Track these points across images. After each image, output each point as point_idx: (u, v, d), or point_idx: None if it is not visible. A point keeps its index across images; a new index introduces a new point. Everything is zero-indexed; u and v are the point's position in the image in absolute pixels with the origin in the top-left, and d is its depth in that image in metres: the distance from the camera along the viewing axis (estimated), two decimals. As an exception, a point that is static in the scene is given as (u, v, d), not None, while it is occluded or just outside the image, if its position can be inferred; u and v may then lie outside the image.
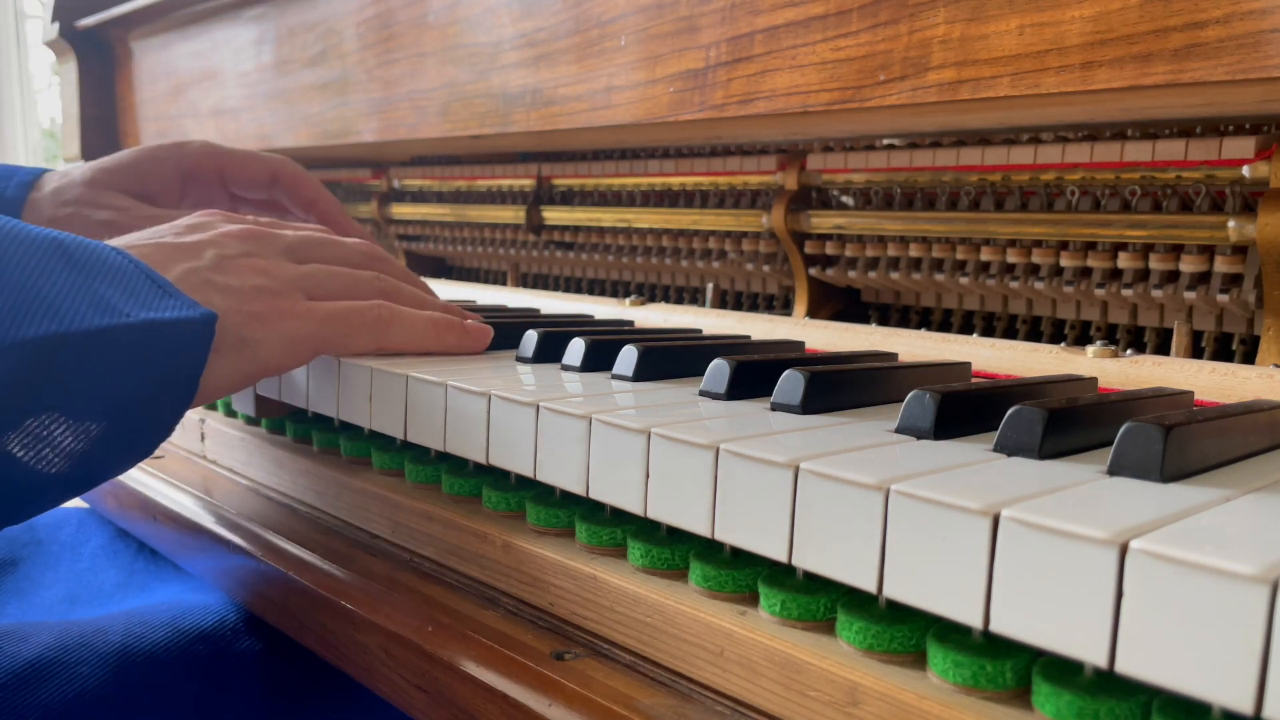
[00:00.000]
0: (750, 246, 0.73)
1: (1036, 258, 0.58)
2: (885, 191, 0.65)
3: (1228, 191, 0.51)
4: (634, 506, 0.36)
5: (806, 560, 0.30)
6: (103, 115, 1.34)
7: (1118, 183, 0.54)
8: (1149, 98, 0.47)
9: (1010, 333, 0.64)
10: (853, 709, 0.29)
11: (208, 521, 0.55)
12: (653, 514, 0.35)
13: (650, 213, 0.79)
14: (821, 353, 0.55)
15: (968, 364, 0.51)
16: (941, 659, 0.29)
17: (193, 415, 0.66)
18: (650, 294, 0.85)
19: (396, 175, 1.06)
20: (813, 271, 0.70)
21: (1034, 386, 0.42)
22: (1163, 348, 0.57)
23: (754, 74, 0.59)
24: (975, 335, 0.59)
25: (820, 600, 0.32)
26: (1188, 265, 0.52)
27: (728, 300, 0.79)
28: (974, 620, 0.26)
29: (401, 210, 1.04)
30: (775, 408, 0.40)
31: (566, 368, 0.49)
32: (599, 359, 0.49)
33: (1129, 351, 0.50)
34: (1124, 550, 0.24)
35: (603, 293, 0.89)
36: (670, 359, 0.48)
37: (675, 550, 0.36)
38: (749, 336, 0.62)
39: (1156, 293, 0.54)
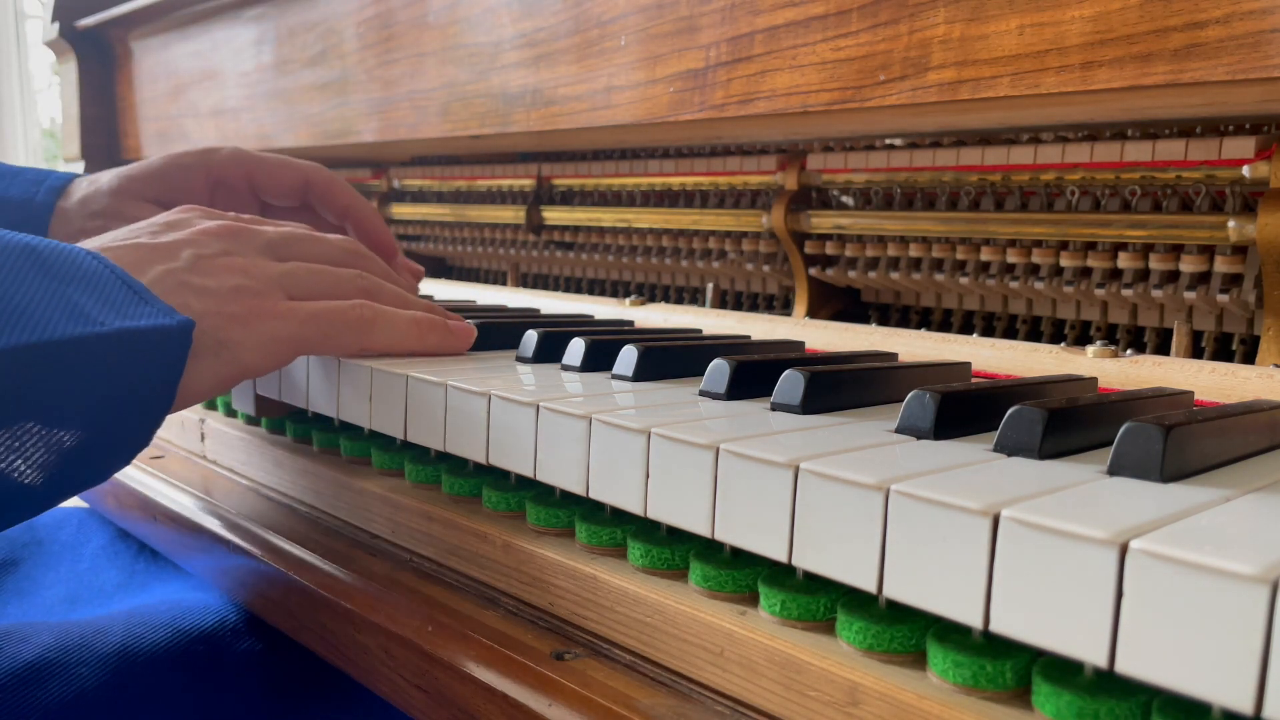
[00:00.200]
0: (750, 246, 0.73)
1: (1036, 258, 0.58)
2: (885, 191, 0.65)
3: (1228, 191, 0.51)
4: (634, 506, 0.36)
5: (806, 560, 0.30)
6: (103, 115, 1.34)
7: (1118, 183, 0.54)
8: (1149, 98, 0.47)
9: (1010, 333, 0.64)
10: (853, 709, 0.29)
11: (208, 521, 0.55)
12: (653, 514, 0.35)
13: (650, 213, 0.79)
14: (821, 353, 0.55)
15: (968, 364, 0.51)
16: (941, 659, 0.29)
17: (193, 415, 0.66)
18: (650, 294, 0.85)
19: (396, 175, 1.06)
20: (813, 271, 0.70)
21: (1034, 386, 0.42)
22: (1163, 348, 0.57)
23: (754, 74, 0.59)
24: (975, 335, 0.59)
25: (820, 600, 0.32)
26: (1188, 265, 0.52)
27: (728, 300, 0.79)
28: (974, 620, 0.26)
29: (401, 210, 1.04)
30: (775, 408, 0.40)
31: (566, 368, 0.49)
32: (599, 359, 0.49)
33: (1129, 351, 0.50)
34: (1124, 550, 0.24)
35: (603, 293, 0.89)
36: (670, 359, 0.48)
37: (675, 550, 0.36)
38: (749, 336, 0.62)
39: (1156, 293, 0.54)
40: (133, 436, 0.40)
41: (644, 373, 0.47)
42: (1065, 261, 0.57)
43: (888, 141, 0.68)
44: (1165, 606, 0.23)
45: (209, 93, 1.14)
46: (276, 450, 0.57)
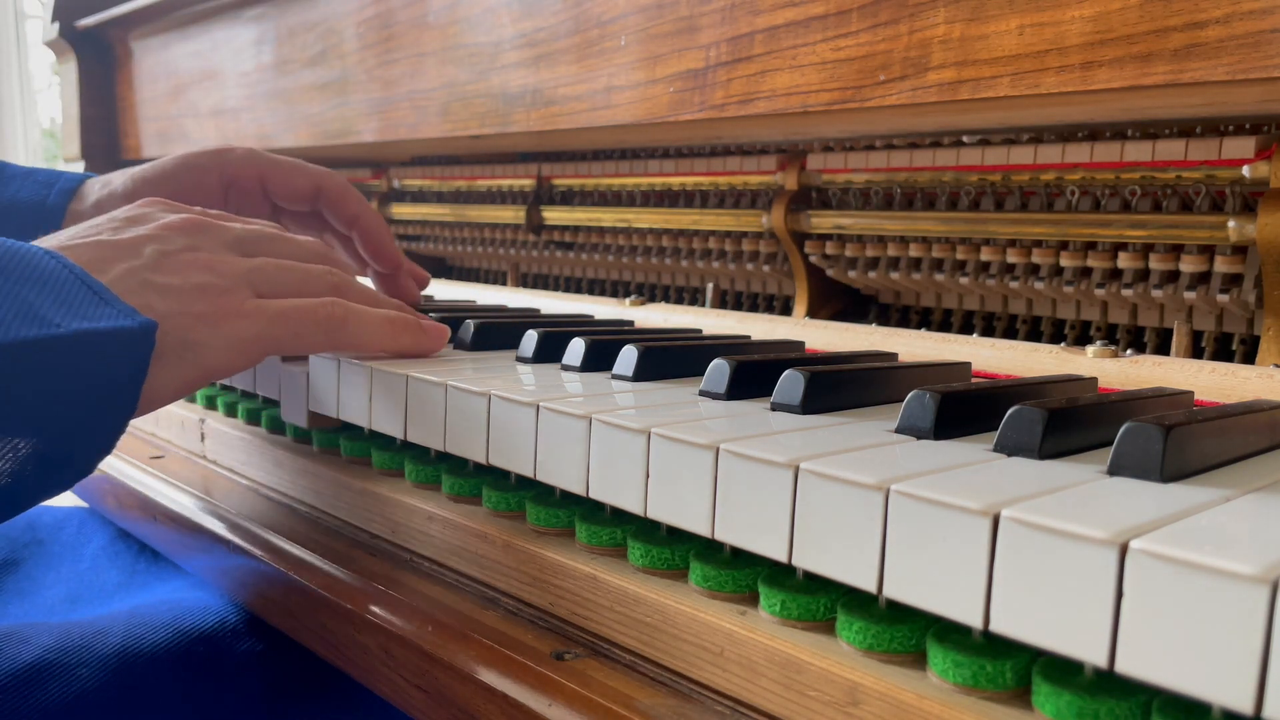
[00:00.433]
0: (750, 246, 0.73)
1: (1036, 258, 0.58)
2: (885, 191, 0.65)
3: (1228, 191, 0.51)
4: (634, 506, 0.36)
5: (806, 560, 0.30)
6: (103, 115, 1.34)
7: (1118, 183, 0.54)
8: (1149, 98, 0.47)
9: (1010, 333, 0.64)
10: (853, 709, 0.29)
11: (208, 521, 0.55)
12: (653, 514, 0.35)
13: (650, 213, 0.79)
14: (821, 353, 0.55)
15: (968, 364, 0.51)
16: (941, 659, 0.29)
17: (193, 415, 0.66)
18: (650, 294, 0.85)
19: (396, 175, 1.06)
20: (812, 271, 0.70)
21: (1034, 386, 0.42)
22: (1163, 348, 0.57)
23: (754, 74, 0.59)
24: (975, 335, 0.59)
25: (820, 600, 0.32)
26: (1188, 265, 0.52)
27: (728, 300, 0.79)
28: (974, 620, 0.26)
29: (401, 210, 1.04)
30: (775, 408, 0.40)
31: (566, 368, 0.49)
32: (599, 359, 0.49)
33: (1129, 351, 0.50)
34: (1124, 550, 0.24)
35: (603, 293, 0.89)
36: (670, 359, 0.48)
37: (675, 550, 0.36)
38: (749, 336, 0.62)
39: (1156, 293, 0.54)
40: (93, 444, 0.39)
41: (644, 373, 0.47)
42: (1065, 261, 0.57)
43: (887, 141, 0.68)
44: (1165, 606, 0.23)
45: (209, 93, 1.14)
46: (276, 450, 0.57)
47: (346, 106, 0.94)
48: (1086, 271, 0.57)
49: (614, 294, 0.88)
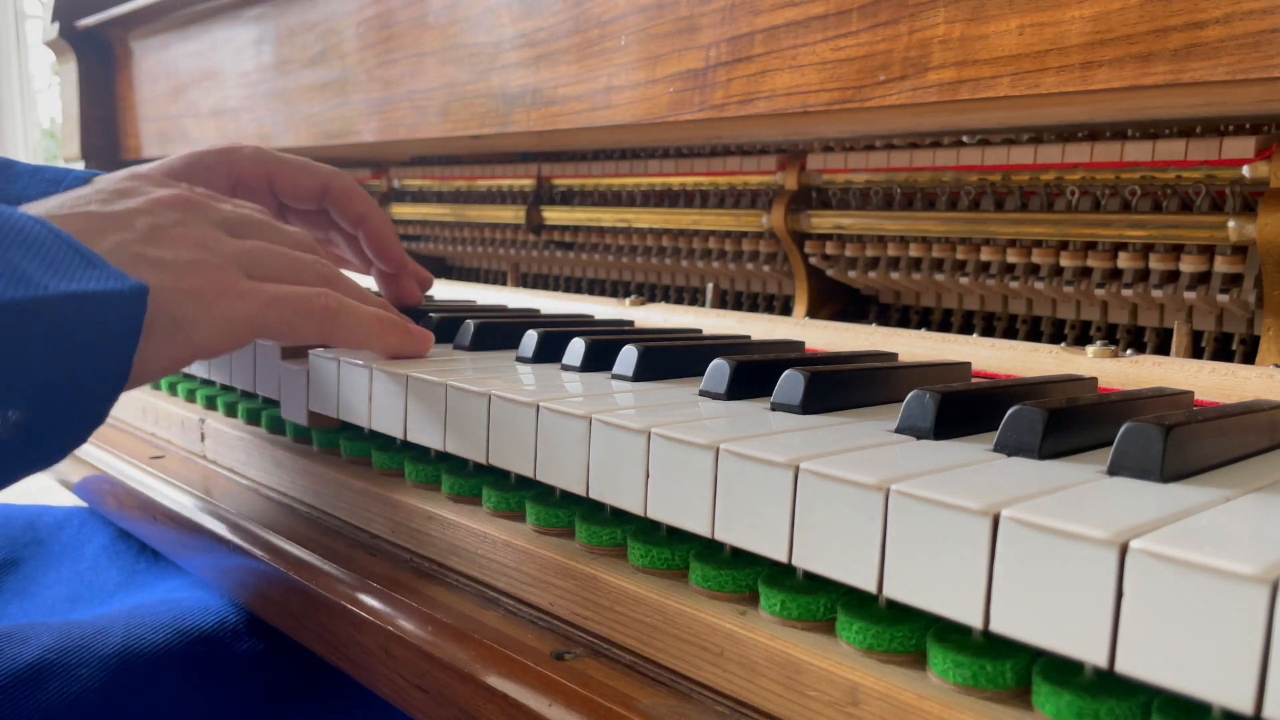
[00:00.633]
0: (750, 246, 0.73)
1: (1036, 258, 0.58)
2: (885, 191, 0.65)
3: (1228, 191, 0.51)
4: (634, 506, 0.36)
5: (806, 560, 0.30)
6: (103, 115, 1.34)
7: (1118, 183, 0.54)
8: (1149, 98, 0.47)
9: (1010, 333, 0.64)
10: (853, 709, 0.29)
11: (208, 521, 0.55)
12: (653, 514, 0.35)
13: (650, 213, 0.79)
14: (821, 353, 0.55)
15: (968, 364, 0.51)
16: (941, 659, 0.29)
17: (192, 415, 0.66)
18: (650, 294, 0.85)
19: (396, 175, 1.06)
20: (812, 271, 0.70)
21: (1034, 386, 0.42)
22: (1163, 348, 0.57)
23: (754, 74, 0.59)
24: (975, 335, 0.59)
25: (820, 600, 0.32)
26: (1188, 265, 0.52)
27: (728, 300, 0.79)
28: (974, 620, 0.26)
29: (401, 210, 1.04)
30: (775, 408, 0.40)
31: (566, 368, 0.49)
32: (599, 359, 0.49)
33: (1129, 351, 0.50)
34: (1124, 550, 0.24)
35: (603, 293, 0.89)
36: (670, 359, 0.48)
37: (675, 550, 0.36)
38: (749, 336, 0.62)
39: (1156, 293, 0.54)
40: (85, 415, 0.37)
41: (644, 373, 0.47)
42: (1065, 261, 0.57)
43: (887, 141, 0.68)
44: (1165, 606, 0.23)
45: (209, 93, 1.14)
46: (276, 450, 0.57)
47: (346, 106, 0.94)
48: (1086, 271, 0.57)
49: (614, 294, 0.88)
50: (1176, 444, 0.30)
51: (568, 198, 0.87)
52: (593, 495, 0.37)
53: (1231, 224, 0.49)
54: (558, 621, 0.39)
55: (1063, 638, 0.25)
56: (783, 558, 0.31)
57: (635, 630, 0.36)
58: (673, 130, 0.68)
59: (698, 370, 0.46)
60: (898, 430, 0.36)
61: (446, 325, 0.58)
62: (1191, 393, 0.44)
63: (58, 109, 1.62)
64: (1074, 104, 0.50)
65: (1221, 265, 0.51)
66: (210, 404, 0.67)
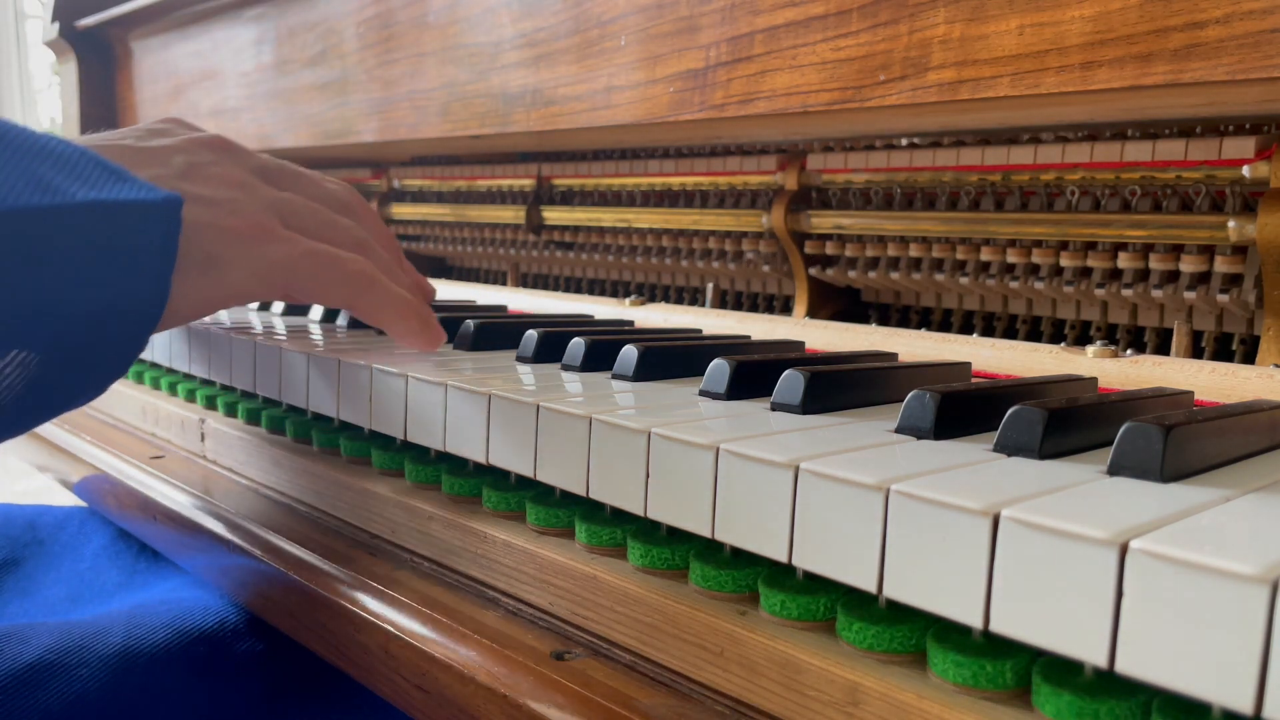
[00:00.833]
0: (750, 246, 0.73)
1: (1036, 258, 0.58)
2: (885, 191, 0.65)
3: (1228, 191, 0.51)
4: (634, 506, 0.36)
5: (806, 560, 0.30)
6: (103, 115, 1.34)
7: (1118, 183, 0.54)
8: (1149, 98, 0.47)
9: (1010, 333, 0.64)
10: (853, 709, 0.29)
11: (207, 521, 0.55)
12: (653, 514, 0.35)
13: (650, 213, 0.79)
14: (821, 353, 0.55)
15: (968, 364, 0.51)
16: (941, 659, 0.29)
17: (192, 415, 0.66)
18: (650, 294, 0.85)
19: (396, 175, 1.06)
20: (813, 271, 0.70)
21: (1034, 386, 0.42)
22: (1163, 348, 0.57)
23: (754, 74, 0.59)
24: (975, 335, 0.59)
25: (820, 600, 0.32)
26: (1188, 265, 0.52)
27: (728, 300, 0.79)
28: (974, 620, 0.26)
29: (401, 210, 1.04)
30: (775, 408, 0.40)
31: (567, 368, 0.49)
32: (599, 359, 0.49)
33: (1129, 351, 0.50)
34: (1124, 550, 0.24)
35: (603, 293, 0.89)
36: (670, 359, 0.48)
37: (675, 550, 0.36)
38: (749, 336, 0.62)
39: (1156, 293, 0.54)
40: (118, 350, 0.35)
41: (644, 373, 0.47)
42: (1065, 261, 0.57)
43: (887, 141, 0.68)
44: (1165, 606, 0.23)
45: (209, 93, 1.14)
46: (276, 450, 0.57)
47: (346, 106, 0.94)
48: (1086, 271, 0.57)
49: (614, 294, 0.88)
50: (1176, 444, 0.30)
51: (568, 198, 0.87)
52: (593, 495, 0.37)
53: (1231, 224, 0.49)
54: (558, 621, 0.39)
55: (1063, 638, 0.25)
56: (783, 558, 0.31)
57: (635, 630, 0.36)
58: (673, 130, 0.68)
59: (698, 370, 0.46)
60: (898, 430, 0.36)
61: (446, 325, 0.58)
62: (1191, 393, 0.44)
63: (58, 109, 1.62)
64: (1074, 104, 0.50)
65: (1221, 265, 0.51)
66: (210, 404, 0.67)
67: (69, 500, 0.77)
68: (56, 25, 1.31)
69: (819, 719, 0.30)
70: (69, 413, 0.44)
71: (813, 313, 0.70)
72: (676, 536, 0.37)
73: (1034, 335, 0.63)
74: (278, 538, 0.50)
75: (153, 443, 0.70)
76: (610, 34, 0.68)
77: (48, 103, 3.57)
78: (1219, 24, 0.42)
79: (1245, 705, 0.22)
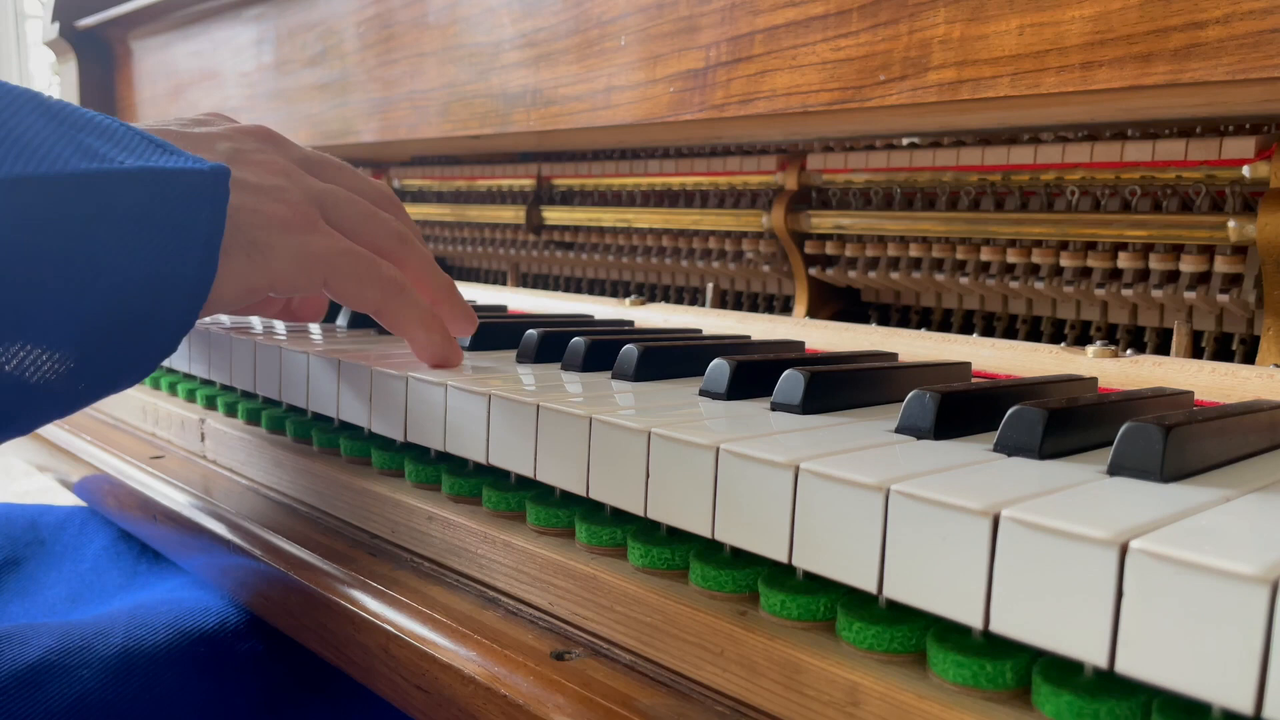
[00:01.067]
0: (750, 246, 0.73)
1: (1036, 258, 0.58)
2: (885, 191, 0.65)
3: (1228, 191, 0.51)
4: (634, 506, 0.36)
5: (806, 560, 0.30)
6: (103, 115, 1.34)
7: (1118, 183, 0.54)
8: (1149, 98, 0.47)
9: (1010, 333, 0.64)
10: (853, 709, 0.29)
11: (208, 521, 0.55)
12: (653, 514, 0.35)
13: (650, 213, 0.79)
14: (821, 353, 0.55)
15: (968, 364, 0.51)
16: (942, 659, 0.29)
17: (193, 415, 0.66)
18: (650, 294, 0.85)
19: (396, 175, 1.06)
20: (813, 271, 0.70)
21: (1034, 386, 0.42)
22: (1163, 348, 0.57)
23: (754, 74, 0.59)
24: (975, 335, 0.59)
25: (820, 600, 0.32)
26: (1188, 265, 0.52)
27: (728, 300, 0.79)
28: (974, 620, 0.26)
29: (401, 210, 1.04)
30: (775, 408, 0.40)
31: (567, 368, 0.49)
32: (599, 359, 0.49)
33: (1129, 351, 0.50)
34: (1124, 550, 0.24)
35: (603, 293, 0.89)
36: (670, 359, 0.48)
37: (675, 550, 0.36)
38: (749, 336, 0.62)
39: (1156, 293, 0.54)
40: (163, 326, 0.34)
41: (644, 373, 0.47)
42: (1065, 261, 0.57)
43: (887, 141, 0.68)
44: (1165, 606, 0.23)
45: (209, 93, 1.14)
46: (276, 450, 0.57)
47: (346, 106, 0.94)
48: (1086, 271, 0.57)
49: (614, 294, 0.88)
50: (1177, 444, 0.30)
51: (568, 198, 0.87)
52: (593, 495, 0.37)
53: (1231, 224, 0.49)
54: (558, 621, 0.39)
55: (1063, 638, 0.25)
56: (783, 558, 0.31)
57: (635, 630, 0.36)
58: (673, 130, 0.68)
59: (698, 370, 0.46)
60: (898, 430, 0.36)
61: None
62: (1191, 393, 0.44)
63: (58, 109, 1.62)
64: (1074, 104, 0.50)
65: (1221, 265, 0.51)
66: (210, 404, 0.67)
67: (70, 500, 0.77)
68: (56, 25, 1.31)
69: (819, 719, 0.30)
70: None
71: (813, 313, 0.70)
72: (676, 536, 0.37)
73: (1034, 335, 0.63)
74: (278, 538, 0.50)
75: (153, 443, 0.70)
76: (610, 34, 0.68)
77: (48, 103, 3.56)
78: (1219, 24, 0.42)
79: (1245, 705, 0.22)
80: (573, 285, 0.93)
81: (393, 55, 0.87)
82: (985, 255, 0.60)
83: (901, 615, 0.30)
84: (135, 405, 0.73)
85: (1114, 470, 0.31)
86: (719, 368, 0.43)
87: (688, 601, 0.34)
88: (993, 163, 0.59)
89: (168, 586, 0.63)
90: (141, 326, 0.34)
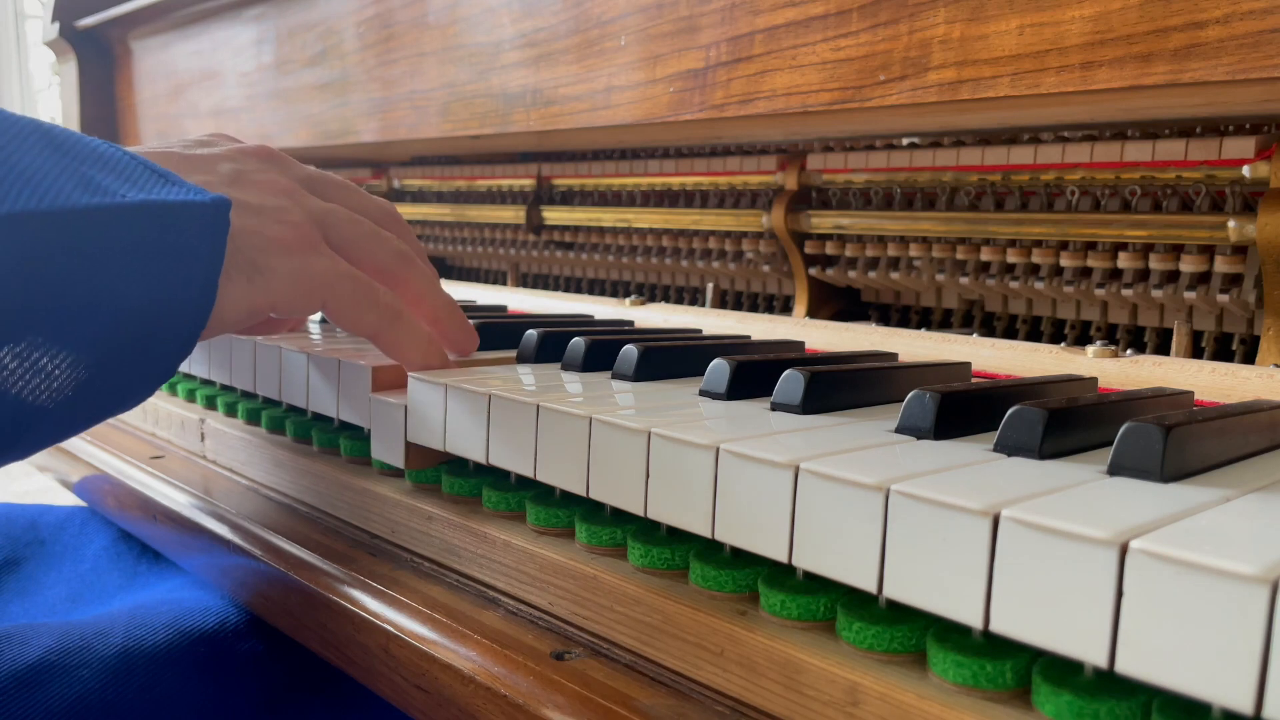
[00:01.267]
0: (750, 246, 0.73)
1: (1036, 258, 0.58)
2: (885, 191, 0.65)
3: (1228, 191, 0.51)
4: (634, 506, 0.36)
5: (806, 560, 0.30)
6: (103, 115, 1.34)
7: (1118, 183, 0.54)
8: (1149, 98, 0.47)
9: (1010, 333, 0.64)
10: (853, 709, 0.29)
11: (208, 521, 0.55)
12: (653, 514, 0.35)
13: (650, 213, 0.79)
14: (821, 353, 0.55)
15: (968, 364, 0.51)
16: (942, 659, 0.29)
17: (192, 415, 0.66)
18: (650, 294, 0.85)
19: (396, 175, 1.06)
20: (813, 271, 0.70)
21: (1034, 386, 0.42)
22: (1163, 348, 0.57)
23: (754, 74, 0.59)
24: (975, 335, 0.59)
25: (820, 600, 0.32)
26: (1188, 265, 0.52)
27: (728, 300, 0.79)
28: (974, 620, 0.26)
29: (401, 210, 1.04)
30: (775, 408, 0.40)
31: (567, 368, 0.49)
32: (599, 359, 0.49)
33: (1129, 351, 0.50)
34: (1124, 550, 0.24)
35: (603, 293, 0.89)
36: (670, 359, 0.48)
37: (675, 550, 0.36)
38: (749, 336, 0.62)
39: (1156, 293, 0.54)
40: (163, 353, 0.35)
41: (644, 373, 0.47)
42: (1065, 261, 0.57)
43: (887, 141, 0.68)
44: (1165, 606, 0.23)
45: (209, 93, 1.14)
46: (276, 450, 0.57)
47: (346, 106, 0.94)
48: (1086, 271, 0.57)
49: (614, 294, 0.88)
50: (1176, 444, 0.30)
51: (568, 198, 0.87)
52: (593, 495, 0.37)
53: (1231, 224, 0.49)
54: (558, 621, 0.39)
55: (1063, 638, 0.25)
56: (783, 558, 0.31)
57: (635, 630, 0.36)
58: (673, 130, 0.68)
59: (698, 370, 0.46)
60: (898, 430, 0.36)
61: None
62: (1191, 393, 0.44)
63: (58, 109, 1.62)
64: (1074, 104, 0.50)
65: (1221, 265, 0.51)
66: (210, 404, 0.67)
67: (70, 500, 0.77)
68: (56, 25, 1.31)
69: (819, 719, 0.30)
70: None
71: (813, 313, 0.70)
72: (676, 536, 0.37)
73: (1034, 335, 0.63)
74: (278, 538, 0.50)
75: (153, 443, 0.70)
76: (610, 34, 0.68)
77: (48, 103, 3.57)
78: (1219, 24, 0.42)
79: (1245, 705, 0.22)
80: (573, 285, 0.93)
81: (393, 55, 0.87)
82: (985, 255, 0.60)
83: (901, 615, 0.30)
84: (135, 405, 0.73)
85: (1114, 470, 0.31)
86: (719, 368, 0.43)
87: (688, 601, 0.34)
88: (992, 163, 0.59)
89: (168, 586, 0.63)
90: (141, 353, 0.35)
